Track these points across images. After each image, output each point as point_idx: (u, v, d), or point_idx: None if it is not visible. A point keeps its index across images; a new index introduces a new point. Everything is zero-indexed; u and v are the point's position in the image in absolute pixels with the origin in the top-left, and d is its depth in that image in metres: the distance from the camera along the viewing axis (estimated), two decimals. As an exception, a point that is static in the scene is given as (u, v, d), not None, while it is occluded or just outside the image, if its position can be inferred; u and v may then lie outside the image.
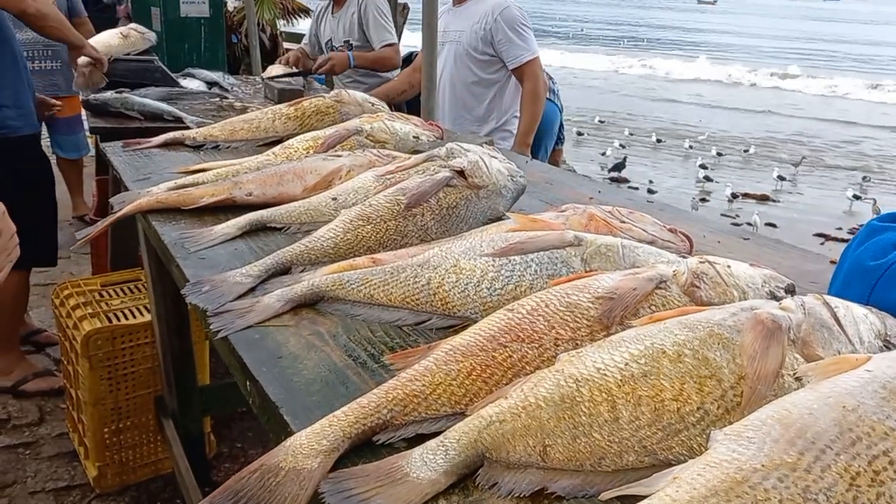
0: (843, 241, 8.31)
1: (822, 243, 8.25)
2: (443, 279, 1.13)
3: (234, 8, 7.07)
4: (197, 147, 2.24)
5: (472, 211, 1.46)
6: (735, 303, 0.88)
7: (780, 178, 11.62)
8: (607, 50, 29.76)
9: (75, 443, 2.72)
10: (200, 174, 1.82)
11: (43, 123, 4.60)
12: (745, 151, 13.26)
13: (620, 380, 0.79)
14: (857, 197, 10.86)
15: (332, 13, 4.16)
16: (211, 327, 1.13)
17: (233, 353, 1.07)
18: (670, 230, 1.27)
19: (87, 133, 4.58)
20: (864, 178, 12.36)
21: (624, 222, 1.25)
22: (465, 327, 1.08)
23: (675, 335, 0.82)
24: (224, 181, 1.70)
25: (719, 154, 12.85)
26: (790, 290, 1.03)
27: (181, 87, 3.33)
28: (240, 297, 1.22)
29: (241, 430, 2.96)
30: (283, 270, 1.31)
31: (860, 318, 0.86)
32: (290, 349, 1.05)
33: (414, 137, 1.96)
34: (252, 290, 1.25)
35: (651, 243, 1.23)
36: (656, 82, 22.79)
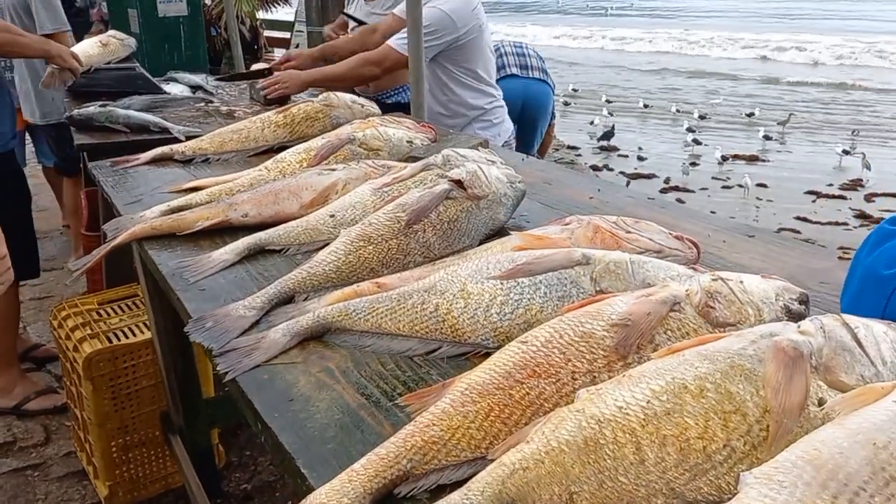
0: (834, 197, 8.32)
1: (813, 200, 8.24)
2: (451, 305, 1.12)
3: (213, 1, 6.97)
4: (186, 161, 2.21)
5: (473, 223, 1.44)
6: (753, 328, 0.86)
7: (766, 137, 11.58)
8: (586, 21, 29.53)
9: (84, 462, 2.71)
10: (193, 195, 1.79)
11: (26, 133, 4.56)
12: (749, 115, 13.15)
13: (644, 419, 0.78)
14: (846, 152, 10.83)
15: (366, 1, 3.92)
16: (218, 368, 1.11)
17: (243, 396, 1.05)
18: (676, 237, 1.25)
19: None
20: (853, 132, 12.33)
21: (630, 233, 1.24)
22: (476, 355, 1.08)
23: (695, 368, 0.80)
24: (218, 203, 1.67)
25: (702, 117, 12.79)
26: (804, 301, 1.01)
27: (165, 93, 3.28)
28: (244, 332, 1.20)
29: (249, 436, 2.96)
30: (287, 299, 1.29)
31: (880, 336, 0.85)
32: (301, 390, 1.04)
33: (408, 142, 1.94)
34: (256, 323, 1.23)
35: (658, 252, 1.22)
36: (631, 55, 22.63)
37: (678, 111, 13.68)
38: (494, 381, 0.90)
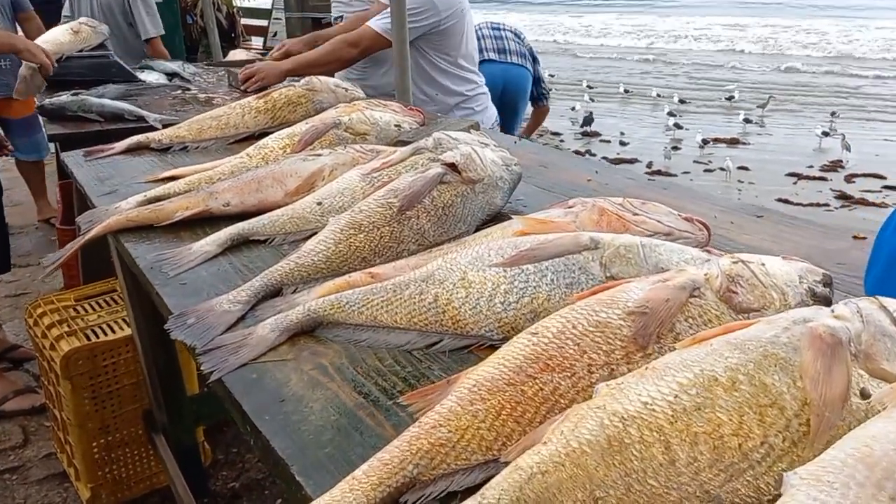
0: (815, 178, 8.32)
1: (794, 182, 8.25)
2: (451, 295, 1.04)
3: (188, -12, 6.81)
4: (164, 150, 2.12)
5: (469, 208, 1.37)
6: (784, 313, 0.80)
7: (746, 120, 11.59)
8: (565, 7, 29.44)
9: (64, 464, 2.62)
10: (171, 183, 1.70)
11: (-1, 127, 4.43)
12: (729, 99, 13.17)
13: (672, 415, 0.71)
14: (825, 134, 10.86)
15: None
16: (202, 368, 1.04)
17: (230, 397, 0.98)
18: (686, 219, 1.19)
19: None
20: (832, 113, 12.37)
21: (637, 215, 1.17)
22: (480, 348, 1.01)
23: (725, 359, 0.74)
24: (198, 192, 1.59)
25: (682, 101, 12.78)
26: (828, 284, 0.95)
27: (140, 81, 3.18)
28: (230, 328, 1.13)
29: (236, 433, 2.88)
30: (274, 292, 1.22)
31: (921, 319, 0.79)
32: (293, 389, 0.96)
33: (395, 126, 1.86)
34: (242, 318, 1.15)
35: (668, 235, 1.15)
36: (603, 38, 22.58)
37: (659, 96, 13.67)
38: (504, 376, 0.83)
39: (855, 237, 1.29)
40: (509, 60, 4.37)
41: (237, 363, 1.03)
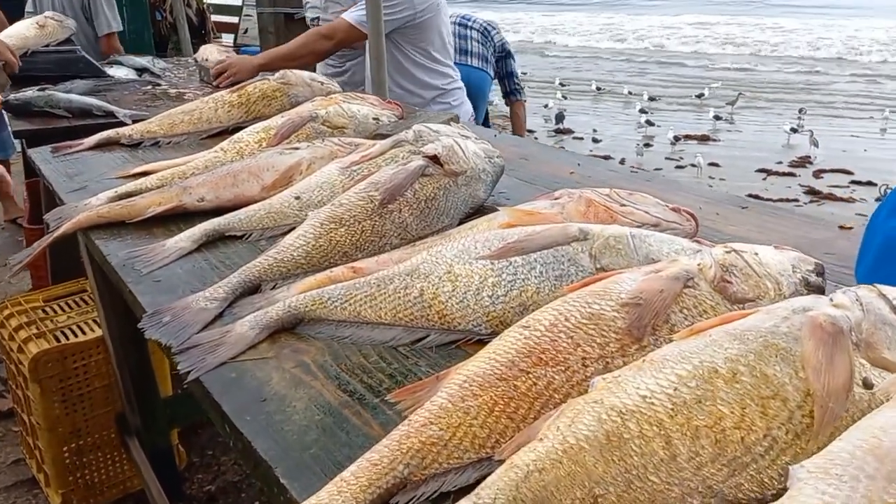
0: (784, 174, 8.42)
1: (764, 178, 8.34)
2: (437, 289, 1.01)
3: (156, -16, 6.70)
4: (134, 145, 2.06)
5: (452, 201, 1.34)
6: (782, 302, 0.78)
7: (717, 117, 11.71)
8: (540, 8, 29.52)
9: (34, 469, 2.55)
10: (143, 179, 1.65)
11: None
12: (699, 97, 13.29)
13: (672, 409, 0.69)
14: (794, 130, 11.00)
15: None
16: (179, 367, 1.00)
17: (208, 398, 0.94)
18: (673, 210, 1.17)
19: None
20: (800, 110, 12.53)
21: (625, 206, 1.15)
22: (468, 342, 0.98)
23: (725, 350, 0.72)
24: (171, 187, 1.54)
25: (651, 99, 12.87)
26: (820, 273, 0.94)
27: (108, 76, 3.10)
28: (207, 326, 1.09)
29: (211, 435, 2.82)
30: (252, 289, 1.18)
31: (920, 307, 0.77)
32: (275, 388, 0.93)
33: (374, 119, 1.82)
34: (220, 315, 1.11)
35: (655, 226, 1.13)
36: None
37: (630, 93, 13.76)
38: (496, 371, 0.80)
39: (841, 227, 1.28)
40: (469, 63, 4.32)
41: (215, 362, 0.99)
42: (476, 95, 4.39)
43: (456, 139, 1.42)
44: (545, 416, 0.74)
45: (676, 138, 10.51)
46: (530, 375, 0.79)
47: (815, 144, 9.45)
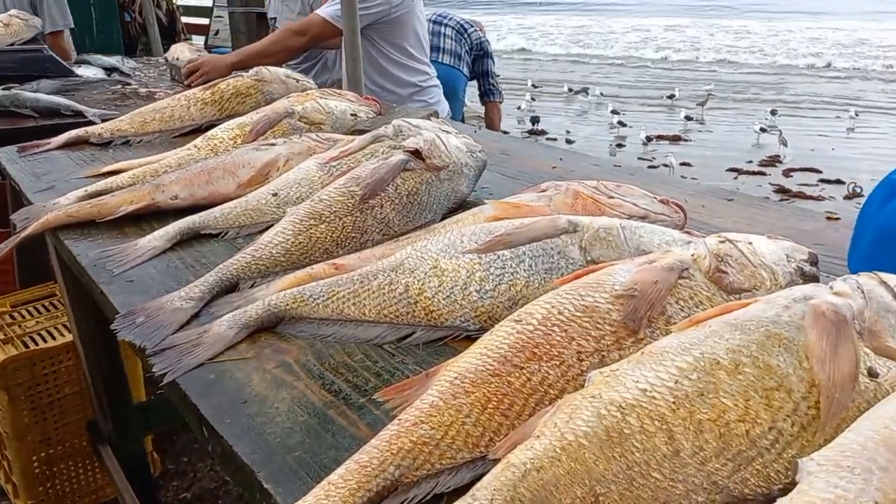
0: (754, 173, 8.51)
1: (735, 177, 8.42)
2: (423, 284, 0.98)
3: (125, -16, 6.58)
4: (104, 144, 2.00)
5: (434, 196, 1.31)
6: (782, 291, 0.76)
7: (688, 118, 11.82)
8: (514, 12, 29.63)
9: (2, 480, 2.47)
10: (114, 177, 1.60)
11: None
12: (670, 97, 13.43)
13: (674, 402, 0.66)
14: (763, 130, 11.13)
15: None
16: (154, 369, 0.95)
17: (185, 400, 0.90)
18: (662, 201, 1.15)
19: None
20: (772, 111, 12.68)
21: (612, 198, 1.13)
22: (456, 339, 0.95)
23: (726, 340, 0.69)
24: (143, 185, 1.49)
25: (618, 109, 12.99)
26: (814, 262, 0.92)
27: (76, 76, 3.03)
28: (182, 326, 1.04)
29: (186, 441, 2.76)
30: (230, 287, 1.14)
31: (921, 294, 0.75)
32: (256, 389, 0.89)
33: (352, 115, 1.79)
34: (196, 315, 1.07)
35: (644, 218, 1.11)
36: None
37: (602, 94, 13.84)
38: (489, 367, 0.77)
39: (828, 218, 1.27)
40: (440, 60, 4.28)
41: (193, 363, 0.95)
42: (447, 94, 4.36)
43: (437, 133, 1.39)
44: (541, 412, 0.71)
45: (648, 138, 10.59)
46: (524, 371, 0.76)
47: (785, 144, 9.57)
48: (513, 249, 0.98)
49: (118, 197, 1.46)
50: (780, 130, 10.60)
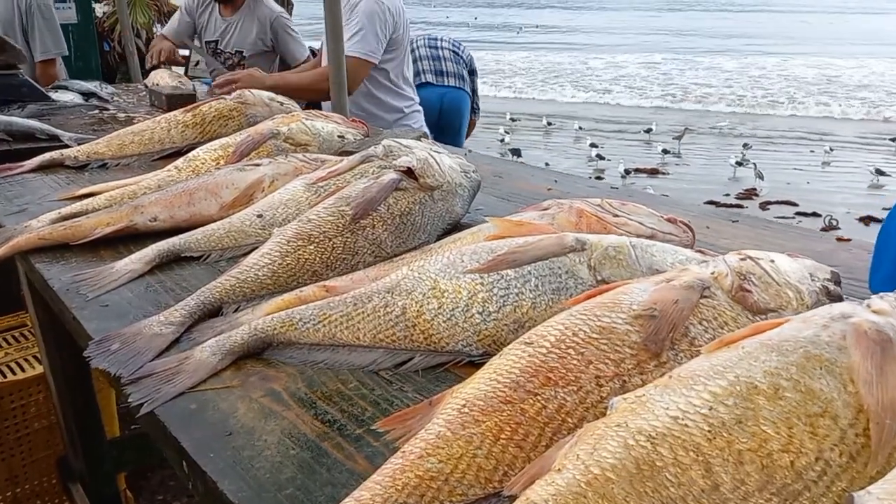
0: (732, 206, 8.57)
1: (714, 210, 8.47)
2: (421, 306, 0.92)
3: (104, 14, 6.55)
4: (80, 168, 1.93)
5: (428, 216, 1.25)
6: (817, 310, 0.70)
7: (665, 151, 11.96)
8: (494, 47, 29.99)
9: (-35, 521, 2.34)
10: (89, 200, 1.53)
11: None
12: (647, 131, 13.60)
13: (709, 431, 0.60)
14: (739, 163, 11.28)
15: (221, 14, 3.83)
16: (130, 399, 0.88)
17: (164, 432, 0.82)
18: (669, 220, 1.10)
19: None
20: (744, 145, 12.86)
21: (618, 216, 1.07)
22: (457, 365, 0.89)
23: (762, 363, 0.64)
24: (121, 206, 1.42)
25: (587, 136, 13.12)
26: (838, 281, 0.87)
27: (53, 101, 2.95)
28: (161, 353, 0.97)
29: (161, 479, 2.65)
30: (213, 312, 1.07)
31: (964, 312, 0.70)
32: (241, 420, 0.81)
33: (339, 137, 1.73)
34: (176, 341, 1.00)
35: (651, 237, 1.06)
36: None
37: (580, 128, 13.98)
38: (499, 393, 0.71)
39: (838, 239, 1.23)
40: (447, 83, 4.27)
41: (172, 392, 0.87)
42: (454, 116, 4.34)
43: (430, 152, 1.34)
44: (559, 443, 0.65)
45: (627, 171, 10.66)
46: (539, 397, 0.70)
47: (761, 177, 9.68)
48: (517, 269, 0.92)
49: (94, 219, 1.39)
50: (755, 164, 10.74)
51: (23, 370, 2.16)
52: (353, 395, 0.85)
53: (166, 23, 7.88)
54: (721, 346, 0.67)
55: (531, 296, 0.90)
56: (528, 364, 0.73)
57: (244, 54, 3.79)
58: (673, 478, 0.58)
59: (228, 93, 2.40)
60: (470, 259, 0.95)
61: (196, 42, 3.99)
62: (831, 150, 12.34)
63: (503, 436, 0.68)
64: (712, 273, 0.81)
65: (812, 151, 13.03)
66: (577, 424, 0.69)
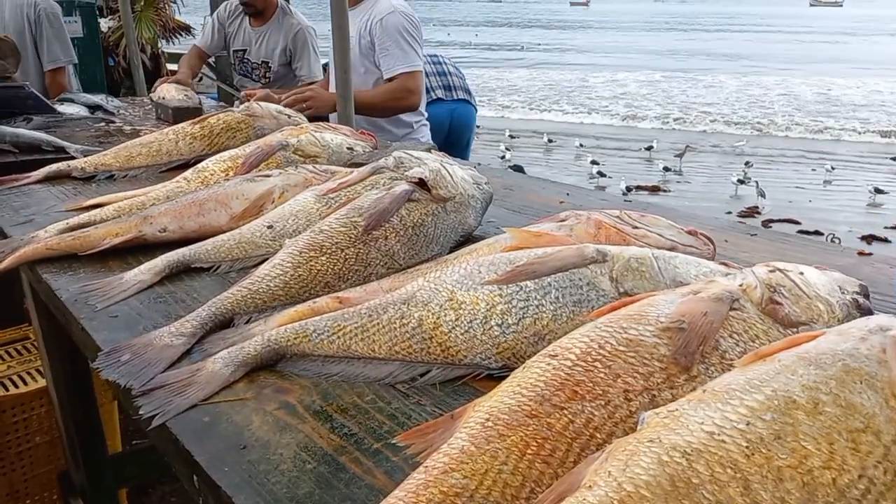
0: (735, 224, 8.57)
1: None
2: (438, 318, 0.90)
3: (109, 28, 6.57)
4: (87, 179, 1.91)
5: (441, 228, 1.23)
6: (852, 322, 0.68)
7: (666, 169, 11.99)
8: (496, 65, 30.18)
9: (-36, 537, 2.31)
10: (97, 210, 1.51)
11: None
12: (648, 149, 13.67)
13: (747, 447, 0.58)
14: (741, 181, 11.30)
15: (251, 24, 3.85)
16: (140, 412, 0.86)
17: (176, 445, 0.80)
18: (689, 232, 1.08)
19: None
20: (746, 163, 12.88)
21: (637, 228, 1.05)
22: (476, 378, 0.86)
23: (800, 376, 0.61)
24: (130, 217, 1.40)
25: (588, 153, 13.16)
26: (866, 294, 0.85)
27: (59, 113, 2.95)
28: (173, 364, 0.95)
29: (162, 495, 2.61)
30: (224, 323, 1.05)
31: None
32: (256, 434, 0.79)
33: (348, 149, 1.72)
34: (187, 353, 0.98)
35: (671, 250, 1.04)
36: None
37: (581, 146, 14.02)
38: (525, 407, 0.68)
39: (860, 253, 1.21)
40: (456, 97, 4.27)
41: (185, 405, 0.85)
42: (463, 130, 4.36)
43: (442, 164, 1.32)
44: (588, 458, 0.62)
45: (628, 188, 10.67)
46: (565, 411, 0.68)
47: (763, 195, 9.70)
48: (537, 280, 0.90)
49: (102, 229, 1.37)
50: (756, 182, 10.75)
51: (25, 383, 2.14)
52: (369, 409, 0.82)
53: (171, 38, 7.93)
54: (756, 359, 0.65)
55: (551, 308, 0.88)
56: (554, 377, 0.71)
57: (270, 65, 3.81)
58: (710, 495, 0.56)
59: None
60: (488, 270, 0.93)
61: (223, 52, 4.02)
62: (833, 168, 12.37)
63: (529, 451, 0.66)
64: (740, 285, 0.79)
65: (813, 170, 13.04)
66: (605, 440, 0.66)
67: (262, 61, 3.83)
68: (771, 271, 0.80)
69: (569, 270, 0.90)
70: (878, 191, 10.70)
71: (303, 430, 0.79)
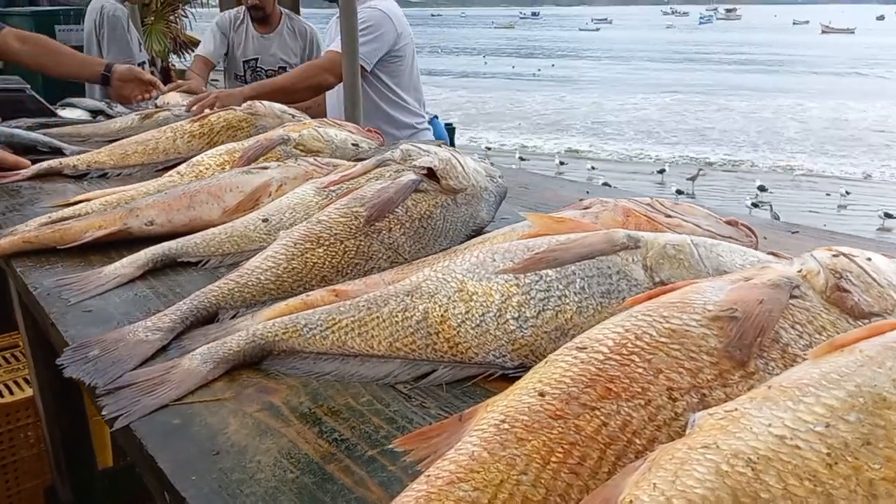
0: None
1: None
2: (446, 311, 0.79)
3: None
4: (79, 176, 1.82)
5: (450, 221, 1.12)
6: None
7: (679, 192, 11.93)
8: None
9: (-55, 555, 2.19)
10: (83, 205, 1.41)
11: None
12: (661, 172, 13.64)
13: (828, 454, 0.46)
14: (755, 205, 11.19)
15: (259, 32, 3.80)
16: (103, 413, 0.75)
17: (140, 451, 0.69)
18: (728, 222, 0.97)
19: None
20: (760, 187, 12.77)
21: (671, 217, 0.94)
22: (488, 379, 0.75)
23: (888, 369, 0.50)
24: (115, 209, 1.30)
25: (600, 176, 13.11)
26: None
27: (59, 117, 2.87)
28: (146, 361, 0.84)
29: (156, 513, 2.48)
30: (208, 318, 0.94)
31: None
32: (232, 438, 0.68)
33: (353, 145, 1.61)
34: (164, 349, 0.87)
35: (708, 241, 0.93)
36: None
37: (593, 168, 13.98)
38: (548, 406, 0.57)
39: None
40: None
41: (154, 405, 0.74)
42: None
43: (453, 154, 1.22)
44: (627, 468, 0.51)
45: (641, 211, 10.58)
46: (597, 412, 0.56)
47: (777, 218, 9.60)
48: (559, 269, 0.79)
49: (85, 221, 1.27)
50: (770, 205, 10.62)
51: (11, 393, 2.03)
52: (364, 411, 0.71)
53: (181, 52, 7.89)
54: (832, 349, 0.54)
55: (576, 299, 0.76)
56: (582, 372, 0.59)
57: (287, 70, 3.74)
58: (785, 514, 0.45)
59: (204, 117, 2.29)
60: (503, 258, 0.82)
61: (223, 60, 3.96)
62: (847, 193, 12.25)
63: (554, 458, 0.54)
64: (799, 271, 0.68)
65: (828, 195, 12.90)
66: (646, 446, 0.55)
67: (280, 66, 3.78)
68: (835, 255, 0.69)
69: (595, 258, 0.79)
70: (888, 215, 10.59)
71: (286, 434, 0.68)
